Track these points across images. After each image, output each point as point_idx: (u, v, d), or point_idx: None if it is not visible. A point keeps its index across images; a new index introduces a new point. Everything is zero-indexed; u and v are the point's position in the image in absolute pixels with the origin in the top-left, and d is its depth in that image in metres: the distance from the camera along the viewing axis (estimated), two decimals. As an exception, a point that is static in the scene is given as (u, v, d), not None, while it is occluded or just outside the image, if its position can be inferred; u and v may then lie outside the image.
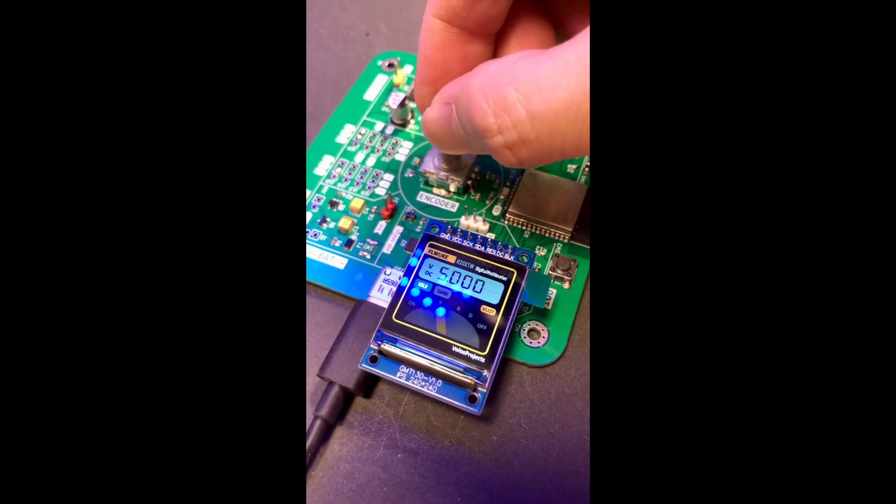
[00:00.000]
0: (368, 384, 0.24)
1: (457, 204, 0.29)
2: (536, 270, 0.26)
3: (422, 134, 0.31)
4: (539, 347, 0.24)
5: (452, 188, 0.29)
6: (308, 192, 0.29)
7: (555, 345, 0.24)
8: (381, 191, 0.29)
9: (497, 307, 0.23)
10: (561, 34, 0.24)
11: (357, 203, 0.28)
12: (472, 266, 0.24)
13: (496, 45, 0.23)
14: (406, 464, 0.22)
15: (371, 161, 0.30)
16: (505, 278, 0.23)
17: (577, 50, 0.17)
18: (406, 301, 0.23)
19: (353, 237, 0.27)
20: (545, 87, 0.17)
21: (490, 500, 0.22)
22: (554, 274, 0.26)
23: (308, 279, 0.26)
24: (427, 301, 0.23)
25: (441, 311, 0.23)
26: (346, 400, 0.23)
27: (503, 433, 0.23)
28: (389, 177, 0.30)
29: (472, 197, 0.29)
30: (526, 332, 0.25)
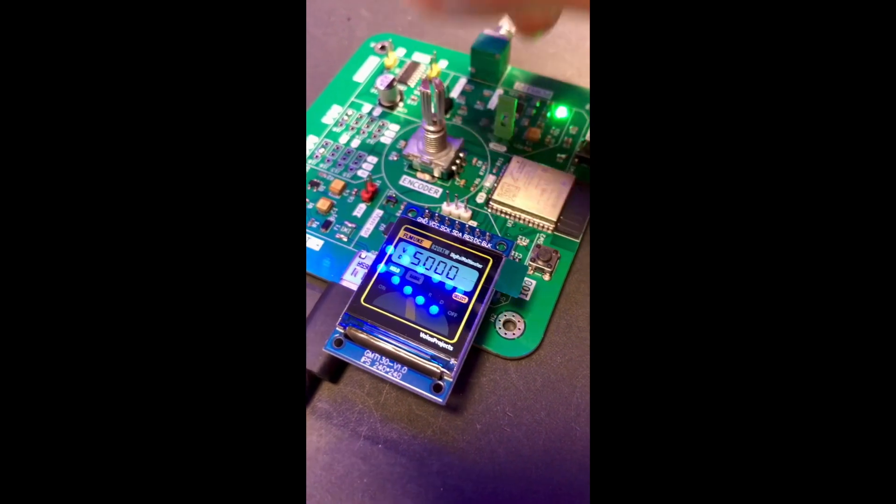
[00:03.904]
0: (335, 369, 0.23)
1: (440, 189, 0.28)
2: (517, 260, 0.25)
3: (410, 117, 0.30)
4: (514, 339, 0.24)
5: (436, 173, 0.28)
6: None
7: (530, 337, 0.24)
8: (363, 173, 0.28)
9: (469, 295, 0.22)
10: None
11: (337, 185, 0.28)
12: (446, 252, 0.23)
13: None
14: (387, 454, 0.22)
15: (356, 143, 0.29)
16: (480, 266, 0.23)
17: None
18: (376, 285, 0.22)
19: (332, 219, 0.27)
20: None
21: (474, 490, 0.21)
22: (533, 265, 0.25)
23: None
24: (397, 285, 0.22)
25: (411, 297, 0.22)
26: (311, 384, 0.23)
27: (487, 421, 0.22)
28: (373, 159, 0.29)
29: (456, 183, 0.28)
30: (501, 322, 0.24)
